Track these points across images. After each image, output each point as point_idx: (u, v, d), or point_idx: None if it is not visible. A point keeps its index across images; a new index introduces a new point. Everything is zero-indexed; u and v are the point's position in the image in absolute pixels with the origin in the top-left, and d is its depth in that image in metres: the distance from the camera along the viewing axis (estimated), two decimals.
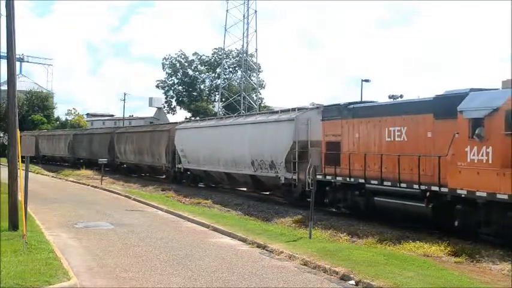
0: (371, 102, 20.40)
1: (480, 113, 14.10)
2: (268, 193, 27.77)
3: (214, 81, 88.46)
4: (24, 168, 14.87)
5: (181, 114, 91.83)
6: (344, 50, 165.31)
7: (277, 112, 26.85)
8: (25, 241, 12.59)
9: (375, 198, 17.93)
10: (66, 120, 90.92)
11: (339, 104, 20.98)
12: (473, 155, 14.33)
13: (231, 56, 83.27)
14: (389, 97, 19.13)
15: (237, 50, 77.88)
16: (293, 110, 24.68)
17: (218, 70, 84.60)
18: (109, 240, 15.17)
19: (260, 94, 79.84)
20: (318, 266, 11.90)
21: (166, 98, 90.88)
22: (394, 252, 13.65)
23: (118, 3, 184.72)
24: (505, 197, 13.24)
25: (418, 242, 14.77)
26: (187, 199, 26.69)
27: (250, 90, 75.88)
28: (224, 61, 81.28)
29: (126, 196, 28.11)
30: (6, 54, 14.97)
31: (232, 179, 29.07)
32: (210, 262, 12.52)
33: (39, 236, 14.39)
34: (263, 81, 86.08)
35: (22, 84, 79.85)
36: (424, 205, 15.85)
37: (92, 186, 34.72)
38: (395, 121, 17.49)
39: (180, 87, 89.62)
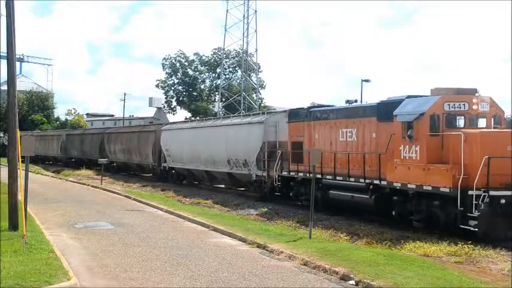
0: (329, 106, 22.49)
1: (410, 117, 16.42)
2: (243, 189, 29.77)
3: (214, 81, 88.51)
4: (24, 168, 14.87)
5: (181, 114, 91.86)
6: (344, 49, 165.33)
7: (249, 115, 30.13)
8: (25, 241, 12.57)
9: (330, 191, 20.17)
10: (66, 120, 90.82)
11: (302, 108, 23.28)
12: (406, 152, 16.64)
13: (231, 56, 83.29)
14: (346, 102, 21.35)
15: (237, 51, 77.97)
16: (263, 113, 28.17)
17: (218, 70, 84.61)
18: (109, 240, 15.18)
19: (260, 94, 79.92)
20: (318, 266, 11.90)
21: (166, 98, 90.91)
22: (394, 252, 13.65)
23: (118, 3, 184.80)
24: (430, 188, 15.56)
25: (418, 242, 14.78)
26: (187, 199, 26.70)
27: (250, 90, 75.90)
28: (224, 61, 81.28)
29: (126, 196, 28.12)
30: (6, 54, 14.98)
31: (211, 176, 31.59)
32: (210, 262, 12.52)
33: (39, 236, 14.39)
34: (263, 81, 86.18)
35: (22, 84, 79.70)
36: (368, 197, 18.10)
37: (92, 186, 34.72)
38: (348, 123, 19.76)
39: (180, 87, 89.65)
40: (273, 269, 11.95)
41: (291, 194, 23.13)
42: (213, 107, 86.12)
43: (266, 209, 22.11)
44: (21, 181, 14.72)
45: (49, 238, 14.47)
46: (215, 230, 17.33)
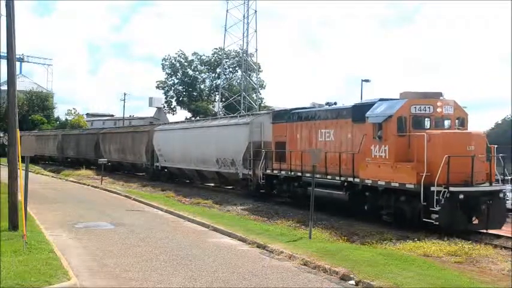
0: (310, 108, 23.80)
1: (380, 118, 17.75)
2: (231, 187, 31.40)
3: (214, 81, 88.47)
4: (24, 168, 14.86)
5: (181, 114, 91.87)
6: (344, 49, 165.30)
7: (236, 117, 31.76)
8: (25, 241, 12.57)
9: (309, 188, 20.13)
10: (66, 120, 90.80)
11: (285, 110, 24.81)
12: (376, 152, 17.95)
13: (231, 56, 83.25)
14: (326, 104, 22.70)
15: (237, 52, 77.93)
16: (248, 115, 29.85)
17: (218, 70, 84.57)
18: (109, 240, 15.17)
19: (260, 94, 79.88)
20: (318, 266, 11.90)
21: (166, 98, 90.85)
22: (394, 252, 13.64)
23: (118, 3, 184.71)
24: (397, 184, 16.92)
25: (418, 242, 14.79)
26: (187, 199, 26.72)
27: (250, 90, 75.86)
28: (224, 61, 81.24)
29: (126, 196, 28.12)
30: (6, 54, 14.96)
31: (201, 175, 33.05)
32: (210, 262, 12.52)
33: (39, 236, 14.38)
34: (263, 81, 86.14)
35: (22, 84, 79.66)
36: (343, 193, 19.41)
37: (92, 186, 34.73)
38: (326, 124, 21.08)
39: (180, 87, 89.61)
40: (273, 269, 11.94)
41: (274, 191, 24.72)
42: (213, 107, 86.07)
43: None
44: (21, 181, 14.71)
45: (49, 238, 14.46)
46: (215, 230, 17.32)
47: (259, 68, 78.86)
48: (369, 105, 18.81)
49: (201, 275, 11.20)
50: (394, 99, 18.20)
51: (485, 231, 16.41)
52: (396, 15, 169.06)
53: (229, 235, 16.29)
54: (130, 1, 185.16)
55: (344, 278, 11.04)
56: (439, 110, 17.37)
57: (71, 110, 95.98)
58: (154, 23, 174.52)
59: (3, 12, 14.76)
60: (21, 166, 15.28)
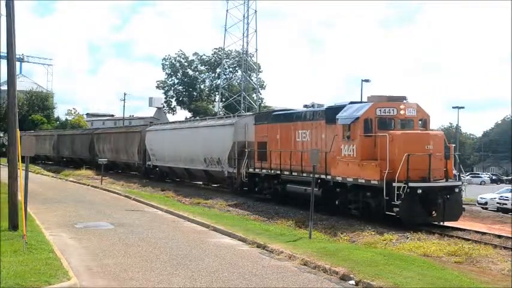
0: (289, 110, 25.32)
1: (348, 120, 19.07)
2: (217, 185, 32.68)
3: (214, 81, 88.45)
4: (24, 168, 14.84)
5: (181, 114, 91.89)
6: (345, 49, 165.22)
7: (222, 118, 33.60)
8: (25, 241, 12.55)
9: (287, 185, 22.92)
10: (66, 120, 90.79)
11: (266, 112, 26.88)
12: (345, 151, 19.26)
13: (231, 56, 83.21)
14: (304, 106, 24.11)
15: (237, 52, 77.87)
16: (233, 116, 31.10)
17: (218, 70, 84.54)
18: (109, 240, 15.16)
19: (260, 94, 79.89)
20: (318, 266, 11.90)
21: (166, 98, 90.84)
22: (394, 252, 13.65)
23: (119, 3, 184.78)
24: (363, 181, 18.26)
25: (418, 242, 14.78)
26: (187, 199, 26.72)
27: (250, 90, 75.86)
28: (224, 61, 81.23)
29: (126, 196, 28.11)
30: (6, 54, 14.95)
31: (190, 173, 34.40)
32: (210, 262, 12.51)
33: (39, 236, 14.36)
34: (263, 81, 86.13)
35: (22, 84, 79.57)
36: (317, 189, 19.82)
37: (92, 186, 34.71)
38: (303, 126, 22.31)
39: (180, 87, 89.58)
40: (273, 269, 11.94)
41: (256, 189, 26.02)
42: (213, 107, 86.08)
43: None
44: (21, 181, 14.70)
45: (49, 238, 14.45)
46: (215, 230, 17.32)
47: (259, 68, 78.91)
48: (340, 108, 20.06)
49: (201, 275, 11.20)
50: (362, 102, 19.80)
51: (441, 223, 17.88)
52: (396, 15, 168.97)
53: (229, 235, 16.28)
54: (130, 1, 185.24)
55: (344, 278, 11.04)
56: (402, 112, 18.71)
57: (71, 110, 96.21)
58: (154, 23, 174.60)
59: (3, 12, 14.76)
60: (21, 166, 15.26)
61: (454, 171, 18.78)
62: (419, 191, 16.85)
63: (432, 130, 19.72)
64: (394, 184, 16.81)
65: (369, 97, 19.82)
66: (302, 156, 21.72)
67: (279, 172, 23.48)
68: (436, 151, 17.75)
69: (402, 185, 16.76)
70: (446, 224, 18.17)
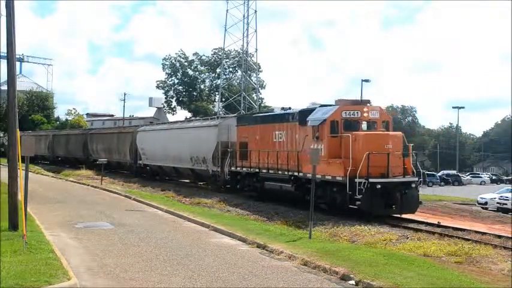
0: (267, 112, 27.40)
1: (317, 122, 20.61)
2: (203, 183, 34.11)
3: (214, 81, 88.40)
4: (24, 168, 14.84)
5: (181, 114, 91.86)
6: (345, 49, 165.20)
7: (208, 119, 35.74)
8: (25, 241, 12.55)
9: (265, 182, 24.41)
10: (66, 120, 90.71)
11: (247, 114, 28.68)
12: None
13: (231, 56, 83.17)
14: (281, 109, 25.65)
15: (237, 52, 77.84)
16: (217, 118, 33.48)
17: (218, 70, 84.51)
18: (109, 240, 15.16)
19: (260, 94, 79.86)
20: (318, 266, 11.90)
21: (166, 98, 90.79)
22: (394, 252, 13.65)
23: (120, 3, 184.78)
24: (330, 177, 19.73)
25: (418, 242, 14.78)
26: (187, 199, 26.73)
27: (250, 90, 75.82)
28: (224, 61, 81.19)
29: (126, 196, 28.12)
30: (6, 54, 14.95)
31: (178, 172, 35.95)
32: (210, 262, 12.51)
33: (39, 236, 14.36)
34: (263, 81, 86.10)
35: (22, 84, 79.51)
36: (290, 186, 22.18)
37: (92, 186, 34.73)
38: (280, 127, 23.79)
39: (180, 87, 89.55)
40: (273, 269, 11.94)
41: (238, 186, 27.52)
42: (213, 107, 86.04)
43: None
44: (21, 181, 14.69)
45: (49, 238, 14.44)
46: (215, 230, 17.32)
47: (259, 68, 78.87)
48: (311, 111, 21.70)
49: (201, 275, 11.20)
50: (330, 105, 21.25)
51: (399, 215, 19.35)
52: (397, 15, 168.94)
53: (229, 235, 16.28)
54: (131, 1, 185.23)
55: (344, 278, 11.03)
56: (365, 114, 20.38)
57: (71, 110, 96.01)
58: (154, 23, 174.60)
59: (3, 12, 14.75)
60: (21, 166, 15.26)
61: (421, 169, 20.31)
62: (379, 186, 18.34)
63: (393, 131, 21.11)
64: (356, 180, 18.25)
65: (336, 101, 21.52)
66: (278, 155, 23.18)
67: (257, 170, 24.84)
68: (395, 150, 19.24)
69: (363, 180, 18.21)
70: (447, 224, 18.35)
